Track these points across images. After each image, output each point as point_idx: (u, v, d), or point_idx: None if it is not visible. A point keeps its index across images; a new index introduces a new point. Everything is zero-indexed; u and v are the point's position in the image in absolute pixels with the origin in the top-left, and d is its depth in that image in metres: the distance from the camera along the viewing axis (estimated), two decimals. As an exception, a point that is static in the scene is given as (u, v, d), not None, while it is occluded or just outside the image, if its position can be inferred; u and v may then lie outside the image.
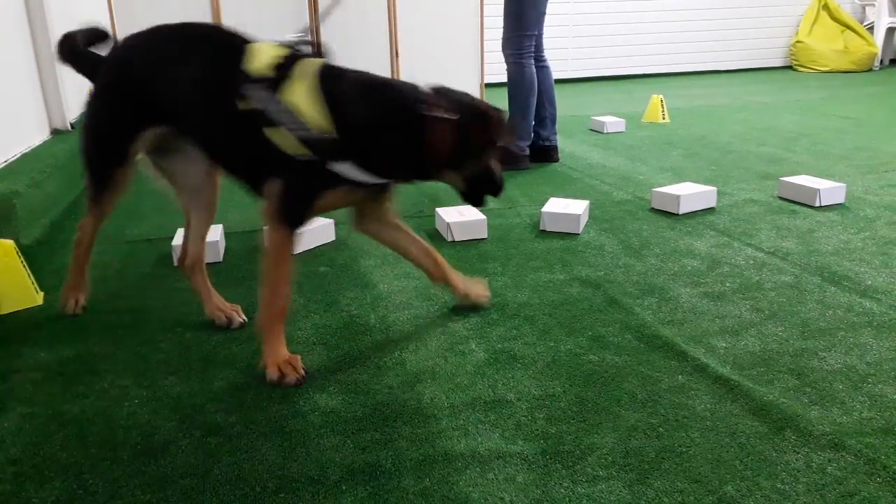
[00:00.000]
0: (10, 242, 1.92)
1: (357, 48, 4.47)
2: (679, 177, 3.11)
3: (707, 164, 3.35)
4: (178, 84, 1.57)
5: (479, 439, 1.29)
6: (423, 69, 4.61)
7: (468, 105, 1.48)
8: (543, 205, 2.72)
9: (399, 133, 1.45)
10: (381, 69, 4.60)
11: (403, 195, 2.96)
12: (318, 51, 1.56)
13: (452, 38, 4.52)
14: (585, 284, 1.98)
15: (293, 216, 1.50)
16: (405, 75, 4.64)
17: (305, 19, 4.23)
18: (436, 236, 2.42)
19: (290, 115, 1.41)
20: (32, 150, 3.15)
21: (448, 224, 2.36)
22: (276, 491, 1.17)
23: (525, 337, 1.68)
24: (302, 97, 1.42)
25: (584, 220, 2.48)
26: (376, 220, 1.71)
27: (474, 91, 4.60)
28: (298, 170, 1.45)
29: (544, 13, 3.32)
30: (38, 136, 3.35)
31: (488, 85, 4.93)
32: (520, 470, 1.20)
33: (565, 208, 2.45)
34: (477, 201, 1.64)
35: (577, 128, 4.46)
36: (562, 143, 4.00)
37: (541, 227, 2.45)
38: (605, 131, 4.26)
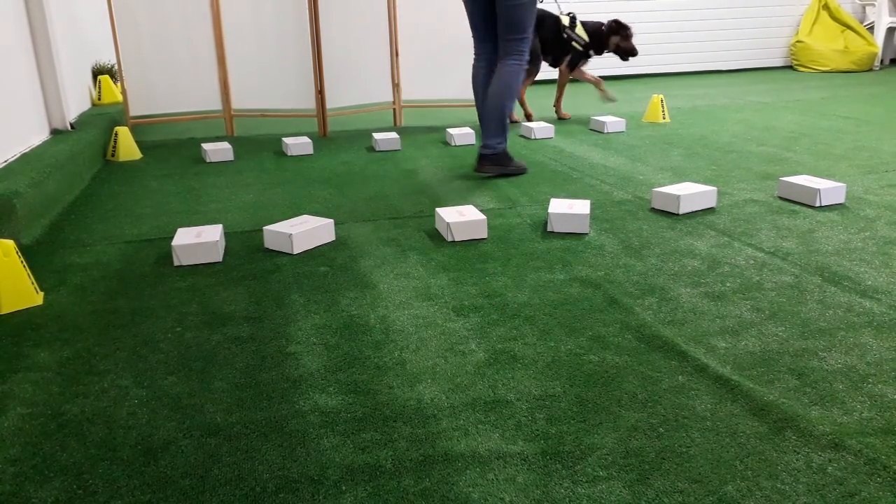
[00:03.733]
0: (10, 242, 1.92)
1: (357, 48, 4.47)
2: (679, 177, 3.11)
3: (707, 164, 3.35)
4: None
5: (480, 439, 1.29)
6: (423, 69, 4.61)
7: (612, 24, 4.56)
8: (543, 205, 2.72)
9: (599, 39, 4.55)
10: (381, 69, 4.59)
11: (404, 196, 2.96)
12: (573, 17, 4.52)
13: (452, 38, 4.52)
14: (586, 284, 1.97)
15: (571, 66, 4.64)
16: (405, 75, 4.63)
17: (305, 19, 4.23)
18: (436, 236, 2.42)
19: (578, 36, 4.48)
20: (32, 150, 3.15)
21: (448, 224, 2.36)
22: (276, 491, 1.17)
23: (525, 337, 1.68)
24: (580, 30, 4.49)
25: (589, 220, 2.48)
26: (580, 74, 4.71)
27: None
28: (578, 52, 4.56)
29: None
30: (37, 136, 3.35)
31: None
32: (520, 470, 1.20)
33: (570, 208, 2.45)
34: (624, 58, 4.64)
35: (577, 128, 4.46)
36: (562, 142, 4.01)
37: (548, 229, 2.44)
38: (606, 131, 4.26)
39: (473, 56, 3.36)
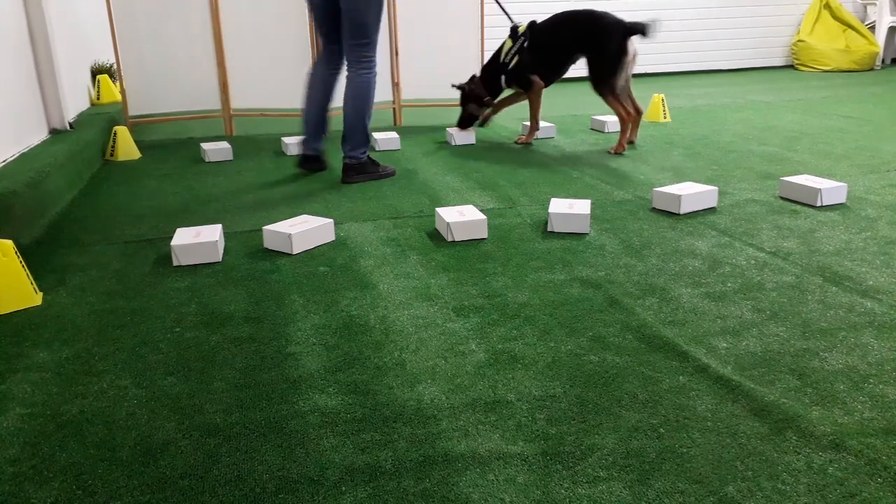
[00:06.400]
0: (9, 242, 1.92)
1: (357, 48, 4.46)
2: (680, 176, 3.10)
3: (708, 164, 3.35)
4: None
5: (480, 440, 1.29)
6: (423, 69, 4.60)
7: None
8: (544, 205, 2.71)
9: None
10: (381, 69, 4.58)
11: (404, 196, 2.96)
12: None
13: (452, 38, 4.51)
14: (586, 285, 1.97)
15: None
16: (405, 75, 4.63)
17: (305, 19, 4.22)
18: (436, 236, 2.42)
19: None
20: (31, 149, 3.15)
21: (448, 224, 2.36)
22: (275, 491, 1.17)
23: (525, 337, 1.67)
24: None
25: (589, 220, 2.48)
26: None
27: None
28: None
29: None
30: (36, 136, 3.35)
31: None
32: (520, 471, 1.20)
33: (570, 208, 2.45)
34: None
35: (577, 127, 4.45)
36: (562, 142, 4.00)
37: (548, 229, 2.44)
38: (606, 131, 4.25)
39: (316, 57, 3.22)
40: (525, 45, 3.77)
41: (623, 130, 3.64)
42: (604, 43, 3.54)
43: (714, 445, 1.25)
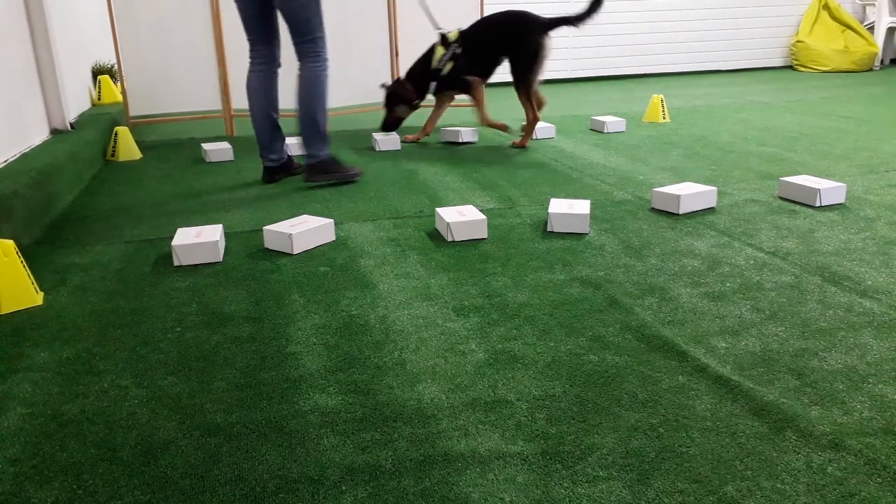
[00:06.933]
0: (10, 242, 1.92)
1: (357, 48, 4.47)
2: (679, 177, 3.11)
3: (707, 164, 3.35)
4: None
5: (479, 440, 1.29)
6: (423, 69, 4.60)
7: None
8: (543, 205, 2.71)
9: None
10: (382, 69, 4.59)
11: (404, 196, 2.96)
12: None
13: (452, 37, 4.52)
14: (586, 284, 1.97)
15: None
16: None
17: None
18: (436, 236, 2.42)
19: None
20: (32, 150, 3.15)
21: (448, 224, 2.36)
22: (275, 491, 1.17)
23: (525, 337, 1.68)
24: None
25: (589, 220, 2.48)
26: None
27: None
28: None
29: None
30: (37, 135, 3.35)
31: (489, 85, 4.92)
32: (520, 470, 1.20)
33: (570, 208, 2.45)
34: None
35: (577, 128, 4.46)
36: (562, 142, 4.01)
37: (548, 229, 2.44)
38: (606, 131, 4.26)
39: (249, 61, 3.16)
40: (458, 51, 3.84)
41: (529, 131, 3.91)
42: (525, 42, 3.74)
43: (713, 445, 1.26)
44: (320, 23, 2.99)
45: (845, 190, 2.67)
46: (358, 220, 2.64)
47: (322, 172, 3.12)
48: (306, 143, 3.11)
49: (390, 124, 4.11)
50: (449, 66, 3.88)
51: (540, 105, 3.93)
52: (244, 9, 3.06)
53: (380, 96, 4.40)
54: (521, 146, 3.87)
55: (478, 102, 3.96)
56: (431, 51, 3.94)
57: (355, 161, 3.65)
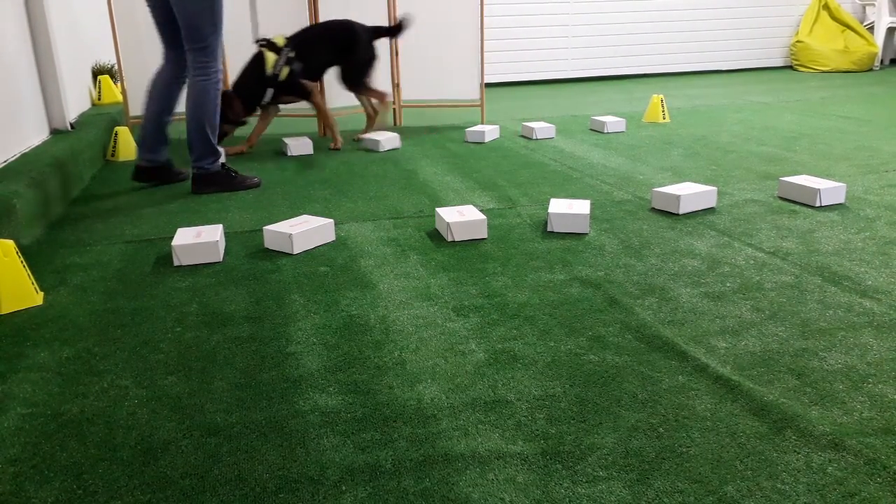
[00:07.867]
0: (10, 242, 1.92)
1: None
2: (679, 177, 3.11)
3: (707, 164, 3.35)
4: None
5: (479, 439, 1.29)
6: (423, 69, 4.61)
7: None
8: (543, 205, 2.72)
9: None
10: (382, 69, 4.59)
11: (404, 196, 2.96)
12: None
13: (452, 37, 4.52)
14: (586, 284, 1.97)
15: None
16: (405, 75, 4.63)
17: (305, 20, 4.23)
18: (436, 236, 2.42)
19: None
20: (32, 149, 3.15)
21: (448, 224, 2.36)
22: (275, 491, 1.17)
23: (525, 337, 1.68)
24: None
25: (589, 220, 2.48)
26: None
27: (474, 91, 4.60)
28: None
29: None
30: (37, 136, 3.35)
31: (488, 85, 4.92)
32: (520, 470, 1.20)
33: (570, 208, 2.45)
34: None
35: (577, 128, 4.46)
36: (562, 142, 4.01)
37: (548, 229, 2.44)
38: (606, 131, 4.26)
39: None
40: (292, 55, 3.80)
41: (370, 125, 4.22)
42: (357, 51, 3.96)
43: (713, 445, 1.26)
44: (214, 33, 2.92)
45: (845, 190, 2.67)
46: (358, 220, 2.64)
47: (210, 184, 3.08)
48: (193, 154, 3.05)
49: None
50: (286, 72, 3.78)
51: (375, 109, 4.21)
52: (153, 14, 3.06)
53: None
54: (357, 139, 4.12)
55: (319, 107, 4.02)
56: (259, 58, 3.77)
57: (355, 160, 3.65)
